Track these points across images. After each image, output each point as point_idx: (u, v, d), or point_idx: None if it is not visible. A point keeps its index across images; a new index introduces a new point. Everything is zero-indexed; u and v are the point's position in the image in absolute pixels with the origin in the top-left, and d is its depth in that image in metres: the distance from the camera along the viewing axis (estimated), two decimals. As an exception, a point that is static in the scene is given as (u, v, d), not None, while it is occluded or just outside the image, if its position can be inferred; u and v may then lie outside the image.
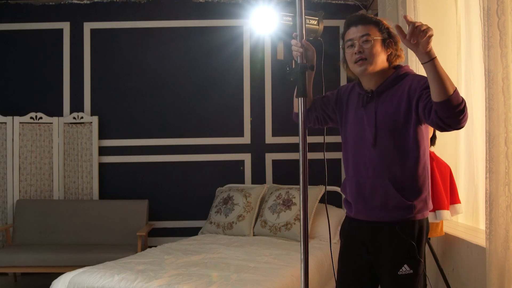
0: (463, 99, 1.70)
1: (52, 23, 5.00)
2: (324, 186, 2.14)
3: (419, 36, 1.62)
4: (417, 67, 3.28)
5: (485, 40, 2.23)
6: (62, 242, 4.54)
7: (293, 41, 1.88)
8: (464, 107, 1.70)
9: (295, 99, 2.09)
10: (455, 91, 1.69)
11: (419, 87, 1.85)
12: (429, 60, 1.67)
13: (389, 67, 1.99)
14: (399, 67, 2.01)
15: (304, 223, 1.77)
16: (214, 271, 3.00)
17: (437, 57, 1.68)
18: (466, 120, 1.73)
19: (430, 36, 1.62)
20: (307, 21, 1.92)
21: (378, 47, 1.94)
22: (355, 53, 1.95)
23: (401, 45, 2.01)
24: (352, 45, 1.97)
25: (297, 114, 2.11)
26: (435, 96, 1.70)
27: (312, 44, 1.96)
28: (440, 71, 1.68)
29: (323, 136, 2.07)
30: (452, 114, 1.69)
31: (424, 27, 1.61)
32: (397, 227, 1.91)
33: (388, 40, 1.97)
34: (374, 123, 1.94)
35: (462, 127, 1.76)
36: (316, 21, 1.97)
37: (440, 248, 3.22)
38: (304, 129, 1.81)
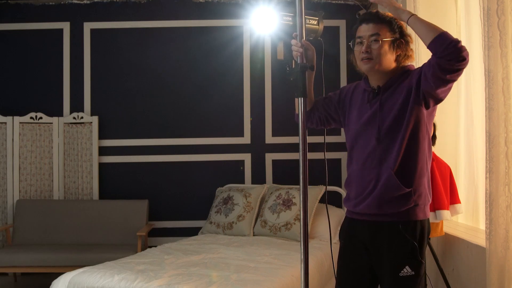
0: (457, 39, 1.75)
1: (52, 23, 5.00)
2: (325, 186, 2.13)
3: None
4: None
5: (485, 40, 2.24)
6: (62, 242, 4.54)
7: (293, 41, 1.89)
8: (459, 42, 1.73)
9: (296, 100, 2.08)
10: (446, 32, 1.77)
11: (416, 73, 1.90)
12: (410, 15, 1.85)
13: (397, 66, 2.00)
14: (405, 66, 2.02)
15: (304, 223, 1.77)
16: (214, 271, 3.00)
17: (417, 15, 1.87)
18: (467, 54, 1.74)
19: None
20: (307, 21, 1.93)
21: (386, 48, 1.95)
22: (363, 52, 1.96)
23: (413, 45, 2.02)
24: (361, 43, 1.98)
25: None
26: (427, 40, 1.79)
27: (312, 44, 1.96)
28: (425, 21, 1.83)
29: (323, 136, 2.07)
30: (447, 46, 1.72)
31: None
32: (400, 226, 1.91)
33: (399, 41, 1.97)
34: (379, 118, 1.95)
35: (466, 61, 1.74)
36: (316, 21, 1.98)
37: (440, 248, 3.22)
38: (304, 129, 1.82)
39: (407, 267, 1.89)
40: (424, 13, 3.42)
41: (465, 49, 1.73)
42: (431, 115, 1.98)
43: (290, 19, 1.87)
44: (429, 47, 1.79)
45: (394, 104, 1.94)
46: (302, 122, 1.82)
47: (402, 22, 2.00)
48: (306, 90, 1.82)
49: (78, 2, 5.00)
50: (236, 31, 5.03)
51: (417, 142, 1.93)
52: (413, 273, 1.89)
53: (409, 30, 1.99)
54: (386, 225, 1.94)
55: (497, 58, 2.19)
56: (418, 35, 1.83)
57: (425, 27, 1.80)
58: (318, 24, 1.98)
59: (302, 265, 1.76)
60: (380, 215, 1.96)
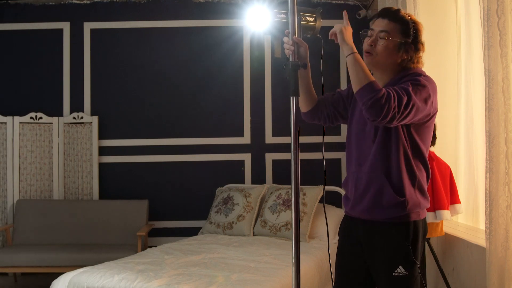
0: (384, 93, 1.73)
1: (52, 23, 5.00)
2: (323, 186, 2.12)
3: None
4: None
5: (485, 40, 2.23)
6: (62, 242, 4.53)
7: (285, 39, 1.86)
8: (382, 98, 1.72)
9: (300, 99, 2.01)
10: (371, 83, 1.76)
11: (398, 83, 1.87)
12: (350, 53, 1.82)
13: (401, 69, 1.95)
14: (410, 69, 1.96)
15: (296, 222, 1.76)
16: (217, 272, 2.99)
17: (357, 53, 1.83)
18: (390, 111, 1.73)
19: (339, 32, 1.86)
20: (304, 18, 1.89)
21: (391, 48, 1.90)
22: (368, 45, 1.94)
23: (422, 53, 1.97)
24: (370, 36, 1.95)
25: (305, 113, 2.11)
26: (355, 86, 1.81)
27: (311, 42, 1.95)
28: (361, 66, 1.80)
29: (322, 136, 2.06)
30: (366, 101, 1.74)
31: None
32: (393, 230, 1.89)
33: (408, 45, 1.91)
34: None
35: (388, 119, 1.75)
36: (313, 18, 1.93)
37: (440, 248, 3.22)
38: (295, 129, 1.80)
39: (400, 267, 1.87)
40: (424, 13, 3.41)
41: (386, 104, 1.71)
42: (425, 126, 1.93)
43: (284, 16, 1.85)
44: (356, 94, 1.80)
45: None
46: (293, 122, 1.80)
47: (421, 27, 1.95)
48: (298, 88, 1.81)
49: (78, 2, 5.00)
50: (236, 31, 5.02)
51: (412, 151, 1.90)
52: (406, 273, 1.87)
53: (424, 38, 1.95)
54: (379, 224, 1.93)
55: (497, 58, 2.18)
56: (350, 77, 1.84)
57: (358, 72, 1.79)
58: (315, 21, 1.94)
59: (294, 268, 1.74)
60: (374, 214, 1.94)
